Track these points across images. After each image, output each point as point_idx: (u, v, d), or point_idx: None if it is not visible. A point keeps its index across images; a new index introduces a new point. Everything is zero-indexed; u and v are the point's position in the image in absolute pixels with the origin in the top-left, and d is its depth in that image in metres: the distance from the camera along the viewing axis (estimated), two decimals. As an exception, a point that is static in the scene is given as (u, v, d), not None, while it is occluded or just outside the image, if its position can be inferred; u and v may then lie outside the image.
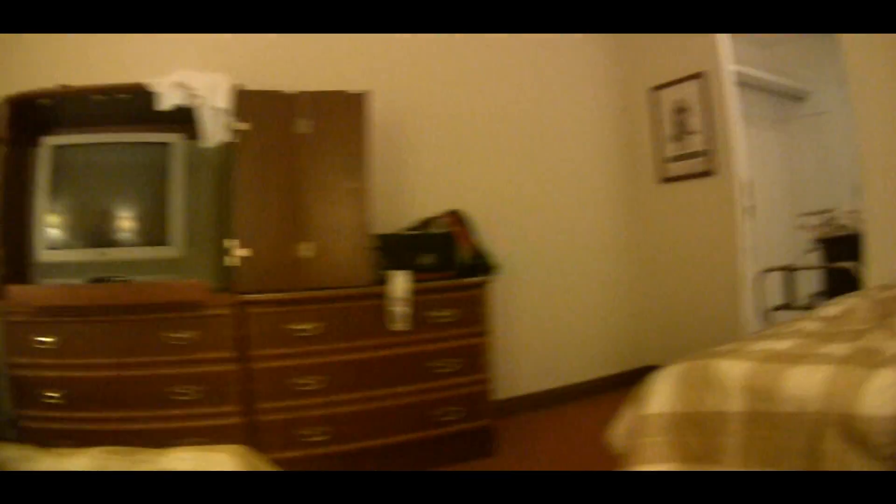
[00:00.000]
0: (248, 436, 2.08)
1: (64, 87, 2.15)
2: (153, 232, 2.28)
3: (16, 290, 2.03)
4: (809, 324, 1.74)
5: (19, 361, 2.04)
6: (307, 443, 2.18)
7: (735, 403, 1.29)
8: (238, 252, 2.19)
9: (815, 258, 3.78)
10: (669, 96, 3.61)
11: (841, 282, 2.98)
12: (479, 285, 2.53)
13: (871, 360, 1.23)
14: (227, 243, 2.22)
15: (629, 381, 3.51)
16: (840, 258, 3.11)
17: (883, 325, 1.60)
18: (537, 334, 3.36)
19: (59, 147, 2.22)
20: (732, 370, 1.33)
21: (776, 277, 3.29)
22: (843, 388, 1.14)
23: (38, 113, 2.21)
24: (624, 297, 3.74)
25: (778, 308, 3.26)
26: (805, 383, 1.20)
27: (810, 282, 3.76)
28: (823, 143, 4.69)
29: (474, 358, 2.48)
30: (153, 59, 2.41)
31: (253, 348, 2.15)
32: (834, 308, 1.90)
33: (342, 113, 2.33)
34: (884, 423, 1.06)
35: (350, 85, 2.39)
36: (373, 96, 2.41)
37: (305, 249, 2.25)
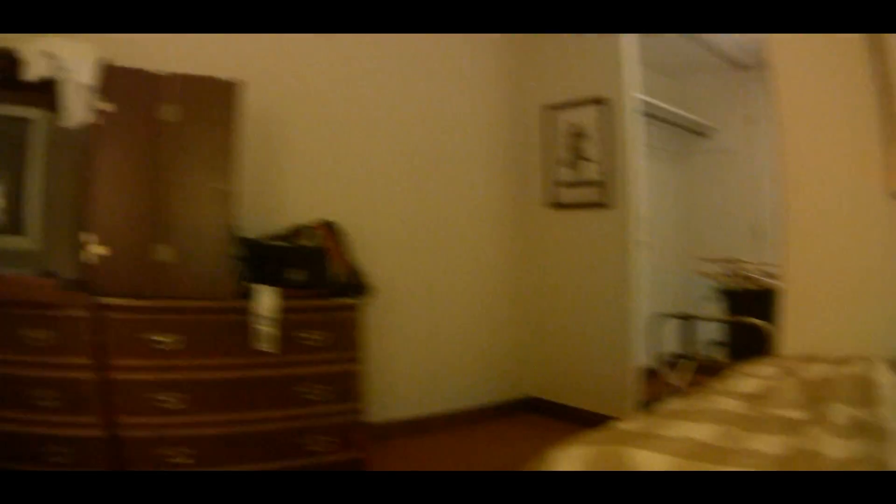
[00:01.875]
0: (111, 451, 1.94)
1: None
2: (8, 220, 2.02)
3: None
4: (727, 401, 1.52)
5: None
6: (172, 464, 2.01)
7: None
8: (95, 249, 1.96)
9: (714, 307, 3.62)
10: (565, 118, 3.35)
11: (746, 338, 2.79)
12: (353, 307, 2.33)
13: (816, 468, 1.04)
14: (83, 237, 1.98)
15: (508, 412, 3.41)
16: (745, 312, 2.87)
17: (817, 415, 1.39)
18: (416, 357, 3.12)
19: None
20: (653, 465, 1.09)
21: (671, 321, 3.11)
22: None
23: None
24: (507, 325, 3.47)
25: (675, 357, 3.08)
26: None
27: (707, 330, 3.58)
28: (723, 182, 4.66)
29: (347, 385, 2.29)
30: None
31: (112, 357, 1.96)
32: (751, 382, 1.69)
33: (212, 102, 2.10)
34: None
35: (223, 71, 2.15)
36: (247, 87, 2.19)
37: (164, 253, 2.04)
